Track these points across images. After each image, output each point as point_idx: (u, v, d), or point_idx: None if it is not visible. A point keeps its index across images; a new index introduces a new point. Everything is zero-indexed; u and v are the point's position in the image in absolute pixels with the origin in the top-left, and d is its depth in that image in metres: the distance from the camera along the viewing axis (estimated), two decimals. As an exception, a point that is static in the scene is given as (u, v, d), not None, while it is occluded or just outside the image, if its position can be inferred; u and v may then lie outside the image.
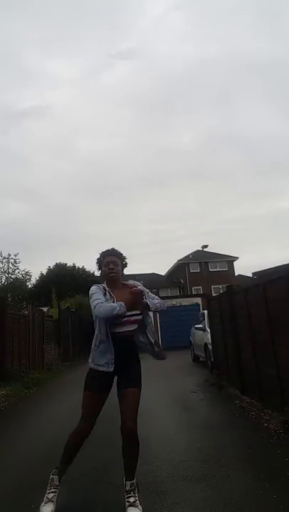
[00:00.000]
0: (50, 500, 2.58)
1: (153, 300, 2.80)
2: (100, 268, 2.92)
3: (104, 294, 2.73)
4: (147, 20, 59.22)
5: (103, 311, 2.60)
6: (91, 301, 2.71)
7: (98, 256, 2.91)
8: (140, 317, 2.76)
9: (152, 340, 2.83)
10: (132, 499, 2.57)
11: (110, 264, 2.80)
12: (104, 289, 2.78)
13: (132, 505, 2.53)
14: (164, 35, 60.19)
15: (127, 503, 2.55)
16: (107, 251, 2.90)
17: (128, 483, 2.64)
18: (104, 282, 2.86)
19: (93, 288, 2.80)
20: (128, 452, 2.68)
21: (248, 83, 57.85)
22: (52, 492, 2.63)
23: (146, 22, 59.22)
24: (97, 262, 2.92)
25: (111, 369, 2.64)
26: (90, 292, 2.77)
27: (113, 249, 2.91)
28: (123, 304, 2.60)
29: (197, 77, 59.28)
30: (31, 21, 60.96)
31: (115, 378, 2.75)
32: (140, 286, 2.80)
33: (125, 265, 2.98)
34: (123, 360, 2.69)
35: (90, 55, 61.95)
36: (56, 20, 59.33)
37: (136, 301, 2.67)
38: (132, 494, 2.60)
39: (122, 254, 2.92)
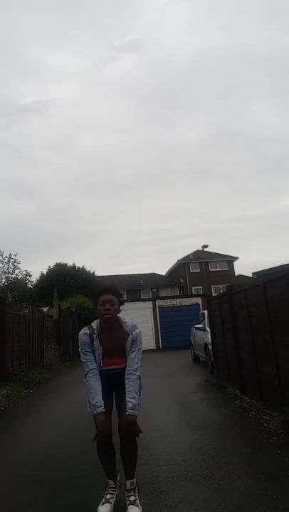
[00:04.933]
0: (107, 501, 2.62)
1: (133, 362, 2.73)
2: (95, 304, 2.87)
3: (92, 343, 2.74)
4: (152, 11, 59.06)
5: (88, 386, 2.68)
6: (82, 359, 2.77)
7: (96, 293, 2.92)
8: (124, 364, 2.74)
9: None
10: (132, 498, 2.58)
11: (106, 304, 2.75)
12: (93, 335, 2.76)
13: (133, 503, 2.54)
14: (169, 27, 59.98)
15: (128, 502, 2.56)
16: (104, 289, 2.89)
17: (128, 482, 2.66)
18: (99, 320, 2.84)
19: (81, 337, 2.79)
20: (126, 452, 2.70)
21: (253, 77, 57.73)
22: (109, 494, 2.67)
23: (151, 13, 59.04)
24: (94, 299, 2.93)
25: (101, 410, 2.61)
26: (79, 343, 2.80)
27: (110, 287, 2.93)
28: (94, 411, 2.59)
29: (202, 70, 59.15)
30: (33, 13, 60.81)
31: None
32: (136, 332, 2.79)
33: (122, 302, 2.89)
34: (118, 385, 2.73)
35: (93, 47, 61.86)
36: (59, 12, 59.28)
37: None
38: (132, 493, 2.62)
39: (118, 291, 2.91)
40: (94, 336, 2.76)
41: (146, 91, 59.21)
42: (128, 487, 2.65)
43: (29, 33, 59.43)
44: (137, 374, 2.71)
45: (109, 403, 2.77)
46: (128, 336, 2.77)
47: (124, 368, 2.75)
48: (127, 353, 2.75)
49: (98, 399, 2.62)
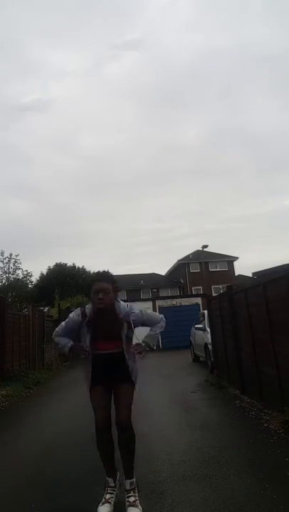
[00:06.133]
0: (106, 501, 2.60)
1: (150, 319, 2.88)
2: (90, 292, 2.73)
3: (80, 327, 2.76)
4: (153, 9, 59.10)
5: (56, 340, 2.92)
6: (60, 325, 2.92)
7: (89, 280, 2.84)
8: (122, 348, 2.72)
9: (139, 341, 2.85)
10: (132, 499, 2.58)
11: (100, 293, 2.63)
12: (85, 315, 2.74)
13: (132, 504, 2.54)
14: (169, 25, 59.98)
15: (127, 503, 2.56)
16: (98, 276, 2.77)
17: (128, 482, 2.66)
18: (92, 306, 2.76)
19: (72, 314, 2.84)
20: (123, 444, 2.67)
21: (254, 76, 57.69)
22: (108, 493, 2.65)
23: (152, 11, 59.07)
24: (88, 286, 2.80)
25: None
26: (68, 317, 2.87)
27: (104, 274, 2.76)
28: (69, 346, 2.79)
29: (203, 69, 59.21)
30: (33, 11, 60.82)
31: None
32: (135, 313, 2.76)
33: (118, 289, 2.76)
34: (112, 370, 2.72)
35: (94, 46, 61.83)
36: (59, 10, 59.22)
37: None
38: (132, 494, 2.61)
39: (113, 278, 2.76)
40: (87, 316, 2.72)
41: (146, 90, 59.31)
42: (128, 487, 2.64)
43: (29, 31, 59.51)
44: (161, 325, 2.89)
45: (107, 398, 2.75)
46: (125, 322, 2.71)
47: (122, 352, 2.70)
48: (123, 337, 2.71)
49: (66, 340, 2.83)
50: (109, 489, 2.68)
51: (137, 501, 2.57)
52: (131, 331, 2.77)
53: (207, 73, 58.53)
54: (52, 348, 13.54)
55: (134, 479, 2.68)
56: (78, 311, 2.81)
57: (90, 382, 2.76)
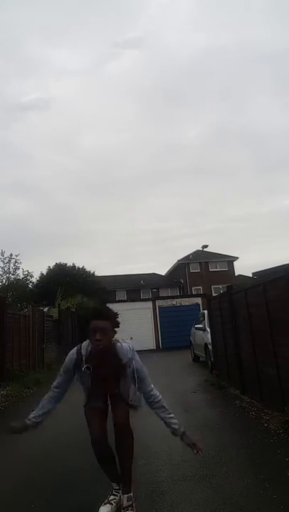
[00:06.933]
0: (108, 502, 2.57)
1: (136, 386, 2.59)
2: (88, 326, 2.49)
3: (77, 366, 2.54)
4: (154, 7, 58.95)
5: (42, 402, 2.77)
6: (57, 375, 2.74)
7: (86, 314, 2.66)
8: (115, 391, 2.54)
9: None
10: None
11: (97, 334, 2.38)
12: (81, 359, 2.52)
13: None
14: (171, 23, 59.66)
15: None
16: (96, 313, 2.48)
17: (125, 497, 2.54)
18: (89, 343, 2.55)
19: (66, 359, 2.62)
20: (120, 445, 2.56)
21: (256, 75, 57.45)
22: (112, 495, 2.62)
23: (154, 9, 58.91)
24: (85, 322, 2.60)
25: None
26: (64, 362, 2.66)
27: (102, 311, 2.51)
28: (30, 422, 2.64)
29: (204, 68, 58.74)
30: (33, 9, 60.41)
31: None
32: (138, 362, 2.59)
33: (117, 325, 2.49)
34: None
35: (94, 44, 61.46)
36: (59, 8, 58.92)
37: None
38: (130, 510, 2.49)
39: (112, 314, 2.49)
40: (82, 358, 2.52)
41: (147, 88, 58.94)
42: (125, 504, 2.50)
43: (30, 30, 59.24)
44: (157, 394, 2.58)
45: (103, 414, 2.63)
46: (126, 368, 2.51)
47: (118, 394, 2.55)
48: (120, 379, 2.54)
49: (36, 414, 2.66)
50: (114, 491, 2.65)
51: None
52: (134, 379, 2.56)
53: (208, 72, 58.42)
54: (52, 348, 13.54)
55: (131, 494, 2.56)
56: (74, 350, 2.60)
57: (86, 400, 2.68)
